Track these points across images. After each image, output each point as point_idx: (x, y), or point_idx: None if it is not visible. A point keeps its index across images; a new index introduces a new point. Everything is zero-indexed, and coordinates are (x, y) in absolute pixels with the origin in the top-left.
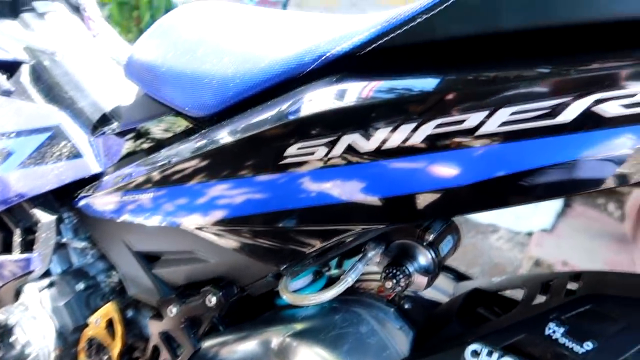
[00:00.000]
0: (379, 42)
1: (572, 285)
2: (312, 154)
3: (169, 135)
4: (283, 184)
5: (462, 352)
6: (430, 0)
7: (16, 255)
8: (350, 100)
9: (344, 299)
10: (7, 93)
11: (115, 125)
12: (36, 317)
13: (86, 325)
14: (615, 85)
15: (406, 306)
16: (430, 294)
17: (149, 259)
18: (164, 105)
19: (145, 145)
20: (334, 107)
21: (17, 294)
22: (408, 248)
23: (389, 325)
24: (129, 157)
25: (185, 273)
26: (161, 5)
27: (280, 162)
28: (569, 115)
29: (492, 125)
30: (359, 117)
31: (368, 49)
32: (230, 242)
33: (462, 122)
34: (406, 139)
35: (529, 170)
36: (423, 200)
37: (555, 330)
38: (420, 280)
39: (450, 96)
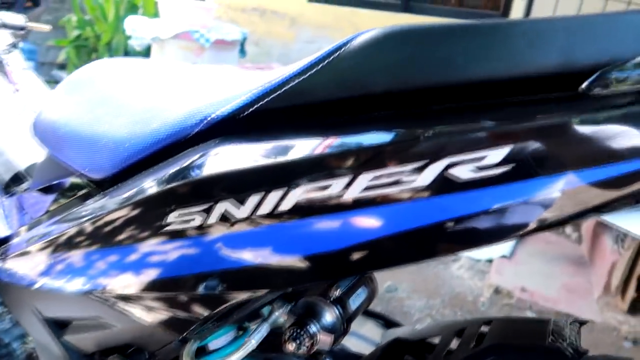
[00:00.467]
0: (257, 106)
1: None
2: (191, 221)
3: (71, 197)
4: (170, 251)
5: None
6: (304, 64)
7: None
8: (221, 166)
9: (266, 357)
10: None
11: (26, 185)
12: None
13: None
14: (465, 149)
15: None
16: (356, 344)
17: (60, 326)
18: (67, 166)
19: (52, 207)
20: (205, 173)
21: None
22: (313, 306)
23: None
24: (38, 219)
25: (94, 340)
26: (120, 47)
27: (164, 229)
28: (425, 179)
29: (355, 191)
30: (230, 183)
31: (247, 112)
32: (130, 308)
33: (326, 187)
34: (276, 205)
35: (397, 232)
36: (306, 263)
37: None
38: (325, 339)
39: (315, 162)
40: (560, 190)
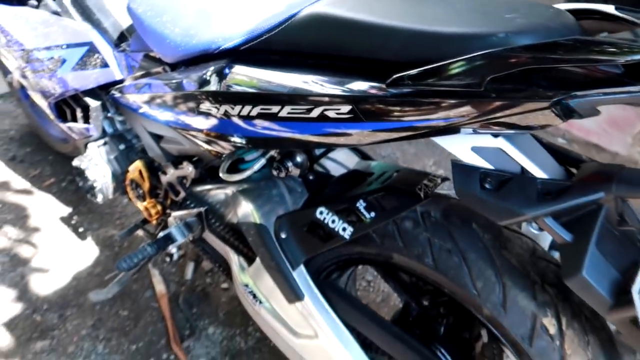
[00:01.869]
0: (248, 45)
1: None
2: (213, 109)
3: (157, 68)
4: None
5: (314, 211)
6: (280, 19)
7: (80, 124)
8: (224, 81)
9: (275, 177)
10: (56, 13)
11: (125, 44)
12: (97, 164)
13: (127, 170)
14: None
15: (310, 177)
16: (334, 168)
17: (157, 137)
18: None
19: (148, 68)
20: (213, 86)
21: (85, 148)
22: (291, 153)
23: (292, 189)
24: (140, 72)
25: (176, 149)
26: None
27: (200, 111)
28: (315, 113)
29: (284, 112)
30: (230, 95)
31: (242, 48)
32: (193, 138)
33: (277, 110)
34: (264, 114)
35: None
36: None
37: (359, 205)
38: (295, 171)
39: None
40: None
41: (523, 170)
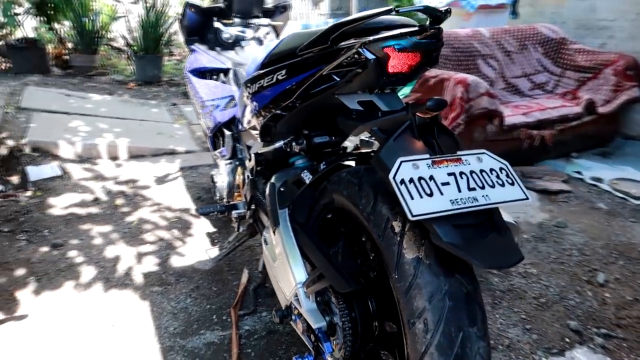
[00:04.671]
0: (267, 60)
1: None
2: (263, 83)
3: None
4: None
5: (301, 173)
6: (276, 43)
7: (220, 149)
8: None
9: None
10: (222, 82)
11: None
12: (222, 174)
13: (235, 178)
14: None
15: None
16: None
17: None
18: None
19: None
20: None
21: (215, 164)
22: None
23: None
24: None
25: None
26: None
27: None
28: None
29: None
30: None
31: (267, 60)
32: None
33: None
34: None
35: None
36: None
37: (321, 166)
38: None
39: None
40: None
41: None
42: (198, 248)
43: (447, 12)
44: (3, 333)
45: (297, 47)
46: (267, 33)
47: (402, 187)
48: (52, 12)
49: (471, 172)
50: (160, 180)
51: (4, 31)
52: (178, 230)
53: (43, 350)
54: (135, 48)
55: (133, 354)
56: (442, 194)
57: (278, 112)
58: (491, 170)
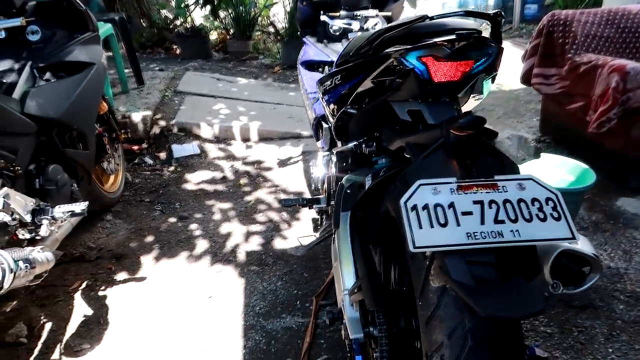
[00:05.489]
0: (339, 60)
1: None
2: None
3: None
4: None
5: (365, 178)
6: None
7: (320, 140)
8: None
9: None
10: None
11: None
12: (318, 165)
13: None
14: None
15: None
16: None
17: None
18: None
19: None
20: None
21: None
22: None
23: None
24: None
25: None
26: None
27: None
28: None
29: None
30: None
31: (339, 61)
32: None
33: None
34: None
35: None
36: None
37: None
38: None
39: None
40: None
41: None
42: (300, 233)
43: (497, 15)
44: (125, 290)
45: (351, 51)
46: (376, 24)
47: (412, 214)
48: (216, 3)
49: (505, 201)
50: (283, 163)
51: (177, 22)
52: (287, 213)
53: (150, 309)
54: (282, 33)
55: (218, 327)
56: (458, 224)
57: (342, 114)
58: (533, 200)
